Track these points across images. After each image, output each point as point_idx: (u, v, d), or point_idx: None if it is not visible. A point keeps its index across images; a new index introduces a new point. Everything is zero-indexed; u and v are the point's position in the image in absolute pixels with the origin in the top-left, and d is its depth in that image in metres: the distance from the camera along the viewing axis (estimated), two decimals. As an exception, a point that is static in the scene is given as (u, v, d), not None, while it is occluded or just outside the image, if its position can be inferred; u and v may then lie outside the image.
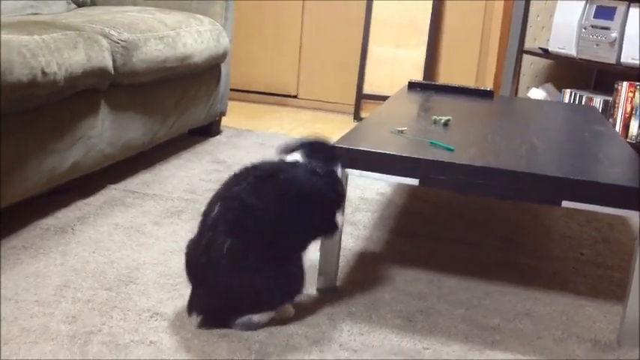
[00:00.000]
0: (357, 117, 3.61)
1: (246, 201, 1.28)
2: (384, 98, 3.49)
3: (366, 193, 2.32)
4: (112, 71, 2.00)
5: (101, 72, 1.93)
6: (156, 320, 1.35)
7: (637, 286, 1.37)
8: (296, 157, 1.40)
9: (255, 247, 1.28)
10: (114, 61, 2.01)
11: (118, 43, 2.03)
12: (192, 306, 1.33)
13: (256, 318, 1.33)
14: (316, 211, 1.37)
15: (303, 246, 1.37)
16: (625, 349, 1.39)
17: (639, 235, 1.35)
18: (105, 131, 2.02)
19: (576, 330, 1.46)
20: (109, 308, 1.39)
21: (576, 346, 1.39)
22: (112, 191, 2.10)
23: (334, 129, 3.34)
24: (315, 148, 1.42)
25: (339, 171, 1.44)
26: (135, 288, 1.48)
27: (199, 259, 1.30)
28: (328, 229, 1.43)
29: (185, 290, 1.48)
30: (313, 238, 1.40)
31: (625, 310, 1.39)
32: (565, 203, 1.37)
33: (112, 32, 2.04)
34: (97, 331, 1.30)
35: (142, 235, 1.77)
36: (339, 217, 1.43)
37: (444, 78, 3.59)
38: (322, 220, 1.40)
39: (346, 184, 1.48)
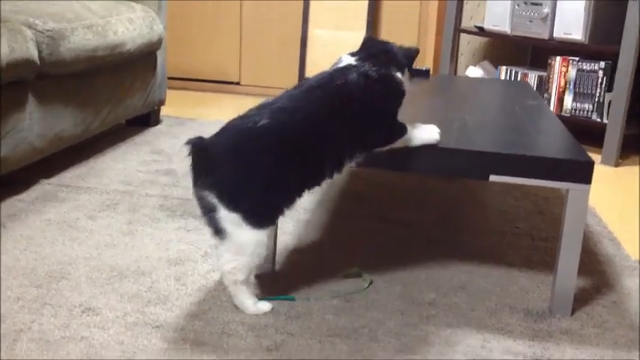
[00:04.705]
0: (300, 101, 3.60)
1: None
2: (325, 81, 3.48)
3: (307, 177, 2.31)
4: (38, 62, 1.93)
5: (26, 63, 1.87)
6: (88, 315, 1.32)
7: (565, 256, 1.40)
8: (349, 61, 1.37)
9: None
10: (40, 51, 1.95)
11: (43, 33, 1.97)
12: (197, 140, 1.27)
13: (221, 213, 1.26)
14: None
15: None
16: (556, 317, 1.43)
17: (566, 204, 1.38)
18: (34, 124, 1.96)
19: (509, 301, 1.49)
20: (39, 305, 1.35)
21: (509, 316, 1.42)
22: (45, 186, 2.05)
23: (277, 114, 3.31)
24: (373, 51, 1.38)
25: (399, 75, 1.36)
26: (66, 284, 1.45)
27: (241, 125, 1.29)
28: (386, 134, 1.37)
29: (118, 284, 1.46)
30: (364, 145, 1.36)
31: (555, 279, 1.43)
32: (493, 177, 1.39)
33: (37, 22, 1.98)
34: (27, 329, 1.26)
35: (75, 230, 1.73)
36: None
37: (384, 59, 3.60)
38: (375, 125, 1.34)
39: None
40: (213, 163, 1.27)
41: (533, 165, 1.37)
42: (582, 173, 1.37)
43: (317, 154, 1.31)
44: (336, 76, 1.34)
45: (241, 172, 1.27)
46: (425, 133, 1.40)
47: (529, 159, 1.37)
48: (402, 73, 1.38)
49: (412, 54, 1.41)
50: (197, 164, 1.28)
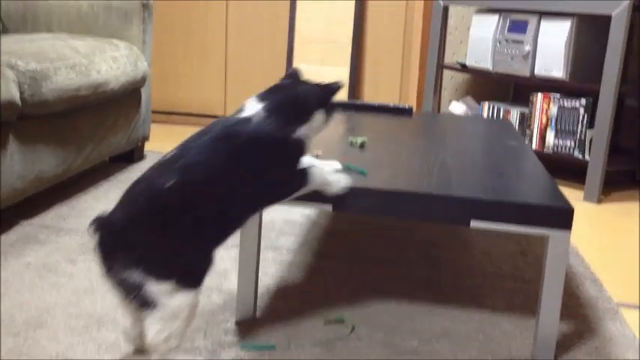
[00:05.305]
0: (284, 135, 3.61)
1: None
2: (310, 116, 3.49)
3: (291, 216, 2.31)
4: (20, 103, 1.93)
5: (7, 105, 1.86)
6: (64, 366, 1.30)
7: (547, 302, 1.40)
8: (254, 109, 1.29)
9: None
10: (21, 92, 1.94)
11: (25, 73, 1.97)
12: (102, 219, 1.17)
13: (150, 287, 1.15)
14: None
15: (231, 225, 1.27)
16: (539, 364, 1.42)
17: (546, 250, 1.38)
18: (15, 164, 1.95)
19: (492, 347, 1.48)
20: (15, 356, 1.33)
21: (491, 364, 1.41)
22: (26, 227, 2.02)
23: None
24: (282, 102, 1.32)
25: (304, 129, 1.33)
26: (44, 333, 1.42)
27: (137, 187, 1.21)
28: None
29: (96, 333, 1.44)
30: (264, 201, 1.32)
31: (537, 326, 1.42)
32: (474, 223, 1.39)
33: (19, 62, 1.97)
34: (2, 382, 1.24)
35: (55, 275, 1.71)
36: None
37: (368, 95, 3.63)
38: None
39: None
40: (132, 237, 1.15)
41: (514, 211, 1.38)
42: (562, 219, 1.37)
43: (229, 208, 1.24)
44: (233, 132, 1.26)
45: (165, 236, 1.17)
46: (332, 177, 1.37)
47: (510, 205, 1.38)
48: (308, 121, 1.34)
49: (330, 92, 1.37)
50: (108, 245, 1.17)
